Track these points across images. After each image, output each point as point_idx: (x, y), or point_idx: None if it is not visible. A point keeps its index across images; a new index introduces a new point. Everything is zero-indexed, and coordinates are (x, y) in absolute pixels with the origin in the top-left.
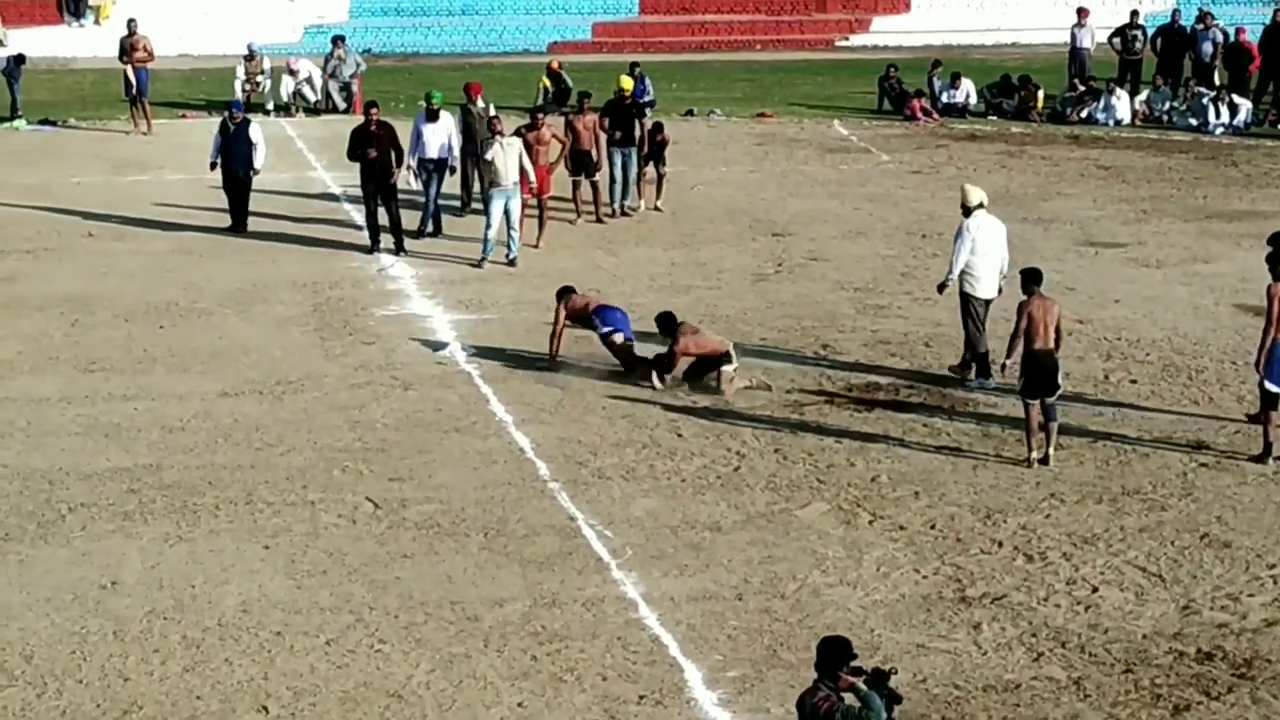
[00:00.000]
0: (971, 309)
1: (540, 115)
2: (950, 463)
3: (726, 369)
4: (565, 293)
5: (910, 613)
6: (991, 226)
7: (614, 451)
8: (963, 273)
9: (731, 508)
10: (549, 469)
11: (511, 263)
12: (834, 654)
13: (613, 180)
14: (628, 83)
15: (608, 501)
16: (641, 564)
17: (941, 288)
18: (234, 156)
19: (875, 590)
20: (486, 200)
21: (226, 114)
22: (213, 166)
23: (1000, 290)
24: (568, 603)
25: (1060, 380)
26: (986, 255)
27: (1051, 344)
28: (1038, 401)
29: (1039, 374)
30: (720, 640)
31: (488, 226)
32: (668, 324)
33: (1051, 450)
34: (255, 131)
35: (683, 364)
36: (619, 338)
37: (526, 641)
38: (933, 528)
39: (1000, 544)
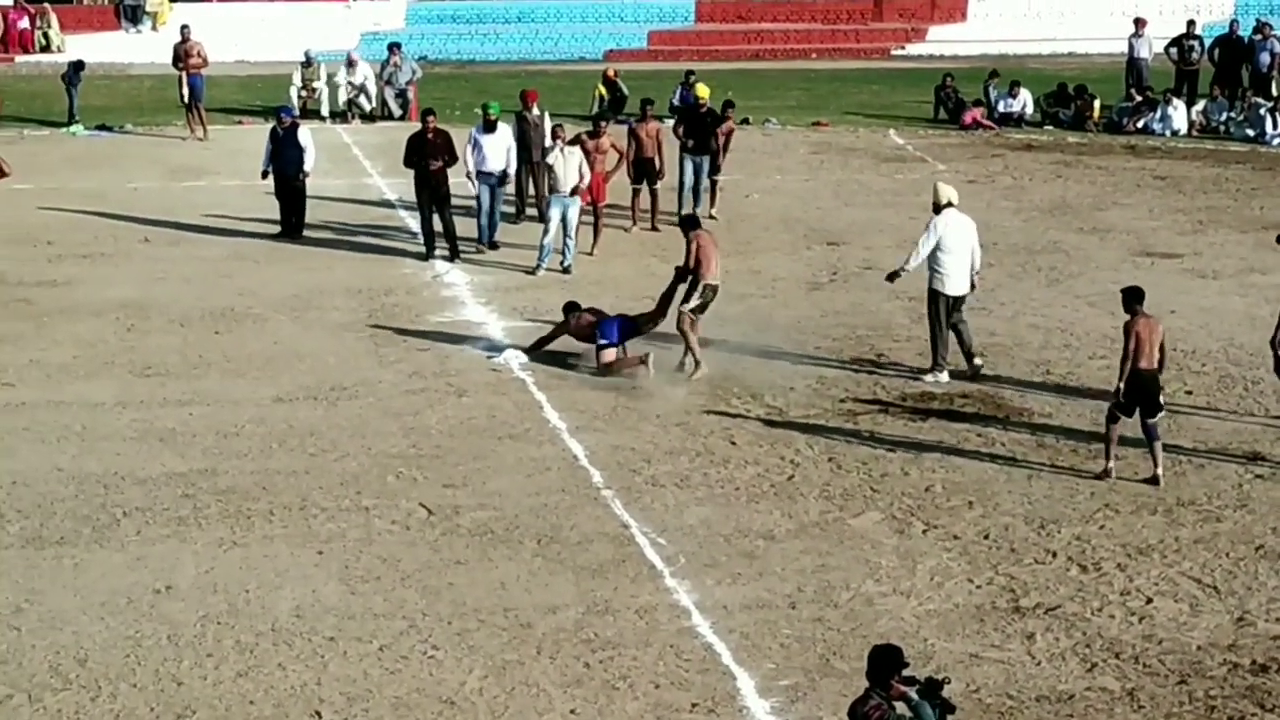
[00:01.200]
0: (937, 305)
1: (603, 123)
2: (1004, 472)
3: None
4: (572, 309)
5: (964, 622)
6: (960, 224)
7: (667, 459)
8: (932, 269)
9: (785, 516)
10: (602, 476)
11: (566, 270)
12: (886, 663)
13: (681, 187)
14: (704, 91)
15: (661, 509)
16: (694, 572)
17: (892, 277)
18: (285, 161)
19: (929, 600)
20: (544, 207)
21: (275, 120)
22: (265, 175)
23: (973, 287)
24: (621, 610)
25: (1161, 400)
26: (954, 252)
27: (1155, 363)
28: (1129, 419)
29: (1140, 393)
30: (773, 649)
31: (545, 233)
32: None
33: (1160, 470)
34: (304, 135)
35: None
36: (609, 354)
37: (579, 649)
38: (986, 537)
39: (1054, 554)
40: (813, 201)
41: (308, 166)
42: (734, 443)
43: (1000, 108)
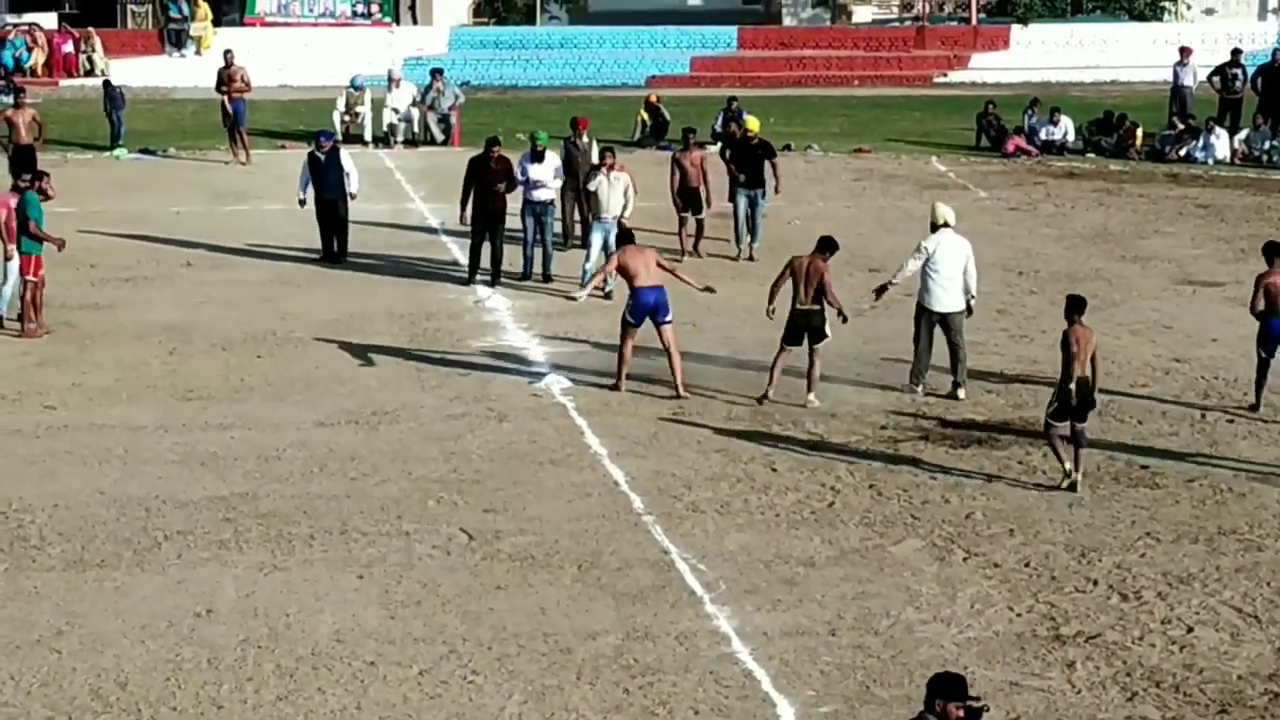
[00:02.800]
0: (920, 319)
1: (691, 137)
2: (1045, 500)
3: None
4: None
5: (1004, 650)
6: (953, 245)
7: (708, 485)
8: (920, 285)
9: (825, 543)
10: (643, 502)
11: (608, 296)
12: (945, 688)
13: (736, 220)
14: (754, 124)
15: (701, 535)
16: (735, 598)
17: (879, 291)
18: (328, 185)
19: (969, 627)
20: (586, 232)
21: (314, 144)
22: (302, 203)
23: (969, 309)
24: (660, 636)
25: (1093, 407)
26: (943, 271)
27: (1088, 372)
28: (1065, 424)
29: (1070, 399)
30: (813, 676)
31: (586, 259)
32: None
33: (1080, 477)
34: (346, 157)
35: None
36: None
37: (619, 674)
38: (1027, 565)
39: (1095, 582)
40: (854, 228)
41: (353, 188)
42: (775, 469)
43: (1043, 135)
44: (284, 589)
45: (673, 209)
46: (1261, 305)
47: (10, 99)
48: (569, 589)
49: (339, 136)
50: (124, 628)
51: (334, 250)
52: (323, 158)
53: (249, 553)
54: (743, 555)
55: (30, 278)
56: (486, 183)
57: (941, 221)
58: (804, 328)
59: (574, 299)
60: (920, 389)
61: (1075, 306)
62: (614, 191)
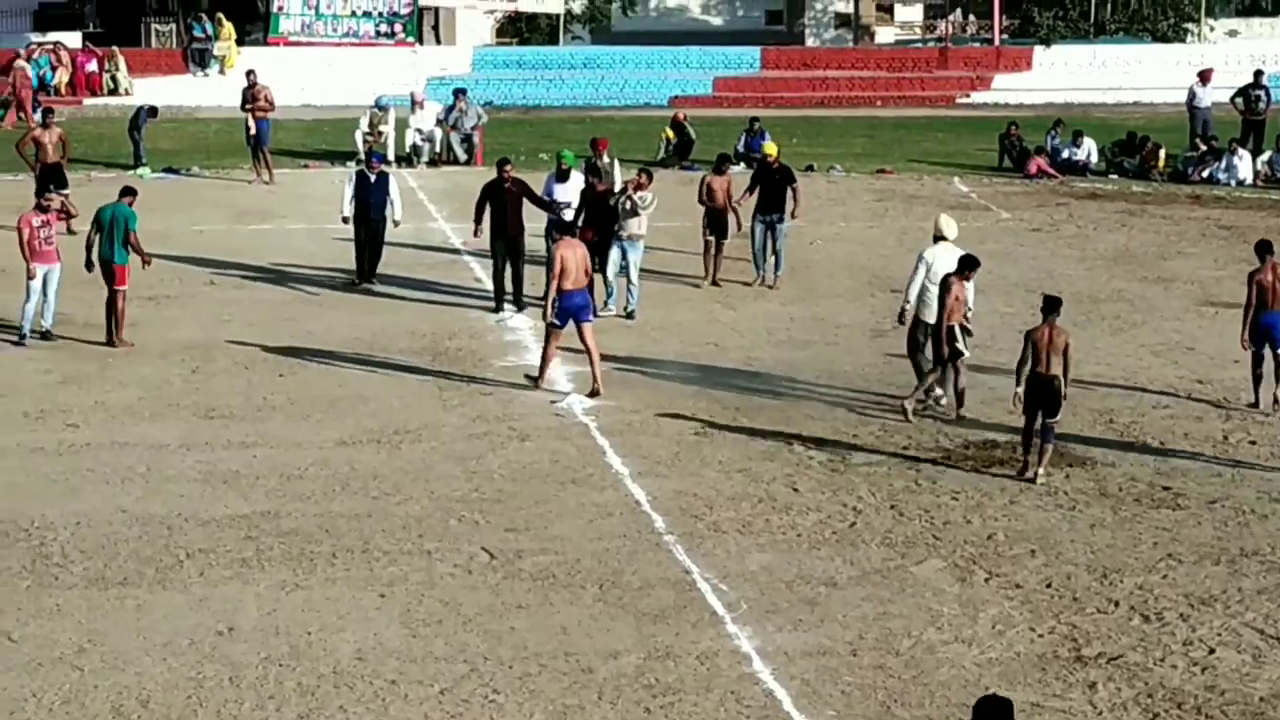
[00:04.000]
0: (915, 331)
1: (726, 165)
2: (1067, 521)
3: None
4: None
5: (1025, 671)
6: (950, 258)
7: (730, 505)
8: (919, 298)
9: (847, 563)
10: (665, 522)
11: (629, 315)
12: (992, 714)
13: (754, 247)
14: (771, 149)
15: (723, 555)
16: (756, 618)
17: (900, 316)
18: (373, 207)
19: (990, 648)
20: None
21: (363, 165)
22: (346, 220)
23: (967, 326)
24: (682, 656)
25: (1060, 403)
26: (937, 283)
27: (1055, 369)
28: (1035, 418)
29: (1040, 396)
30: (834, 696)
31: (602, 270)
32: None
33: (1041, 470)
34: (394, 185)
35: None
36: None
37: (640, 694)
38: (1049, 586)
39: (1117, 604)
40: (877, 248)
41: (397, 216)
42: (796, 489)
43: (1065, 156)
44: (306, 607)
45: (699, 231)
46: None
47: (39, 118)
48: (590, 608)
49: (381, 157)
50: (146, 645)
51: (365, 270)
52: (372, 178)
53: (271, 571)
54: (764, 575)
55: (121, 287)
56: (501, 205)
57: (940, 234)
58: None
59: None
60: (930, 398)
61: (1049, 306)
62: (639, 210)
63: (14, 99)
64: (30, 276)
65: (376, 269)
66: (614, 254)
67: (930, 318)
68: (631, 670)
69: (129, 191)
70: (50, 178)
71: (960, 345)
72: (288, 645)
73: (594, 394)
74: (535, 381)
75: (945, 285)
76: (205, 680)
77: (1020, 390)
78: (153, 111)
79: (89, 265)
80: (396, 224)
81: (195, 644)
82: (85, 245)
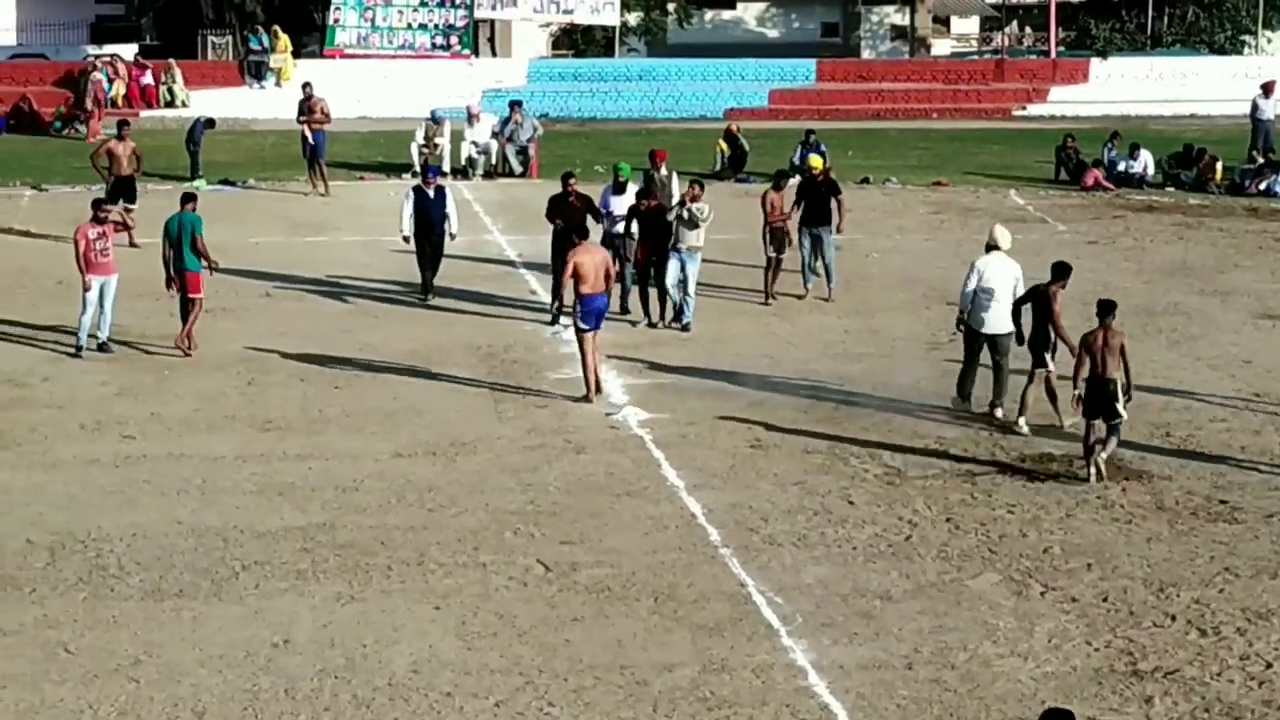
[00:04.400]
0: (970, 340)
1: (785, 176)
2: (1123, 535)
3: None
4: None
5: (1081, 685)
6: (1002, 267)
7: (785, 518)
8: (971, 306)
9: (902, 576)
10: (720, 535)
11: (685, 328)
12: None
13: (803, 261)
14: (817, 162)
15: (778, 568)
16: (811, 631)
17: (958, 323)
18: (431, 221)
19: (1046, 662)
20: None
21: (420, 180)
22: (407, 239)
23: (1021, 337)
24: (737, 669)
25: (1120, 408)
26: (991, 293)
27: (1112, 372)
28: (1097, 421)
29: (1094, 397)
30: (889, 709)
31: (660, 282)
32: None
33: (1102, 461)
34: (450, 199)
35: None
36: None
37: (695, 707)
38: (1105, 600)
39: (1173, 618)
40: (933, 261)
41: (453, 229)
42: (852, 502)
43: (1121, 168)
44: (361, 620)
45: (753, 244)
46: None
47: (115, 130)
48: (645, 621)
49: (447, 169)
50: (201, 657)
51: (428, 284)
52: (430, 193)
53: (326, 583)
54: (820, 588)
55: (196, 295)
56: (568, 219)
57: (993, 243)
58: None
59: (652, 325)
60: (966, 403)
61: (1104, 310)
62: (695, 222)
63: (93, 109)
64: (86, 289)
65: (432, 283)
66: (672, 266)
67: (983, 327)
68: (687, 683)
69: (189, 198)
70: (122, 190)
71: (1048, 356)
72: (343, 657)
73: (586, 399)
74: (588, 398)
75: (1044, 295)
76: (260, 692)
77: (1079, 393)
78: (210, 123)
79: (169, 282)
80: (453, 237)
81: (250, 656)
82: (163, 262)
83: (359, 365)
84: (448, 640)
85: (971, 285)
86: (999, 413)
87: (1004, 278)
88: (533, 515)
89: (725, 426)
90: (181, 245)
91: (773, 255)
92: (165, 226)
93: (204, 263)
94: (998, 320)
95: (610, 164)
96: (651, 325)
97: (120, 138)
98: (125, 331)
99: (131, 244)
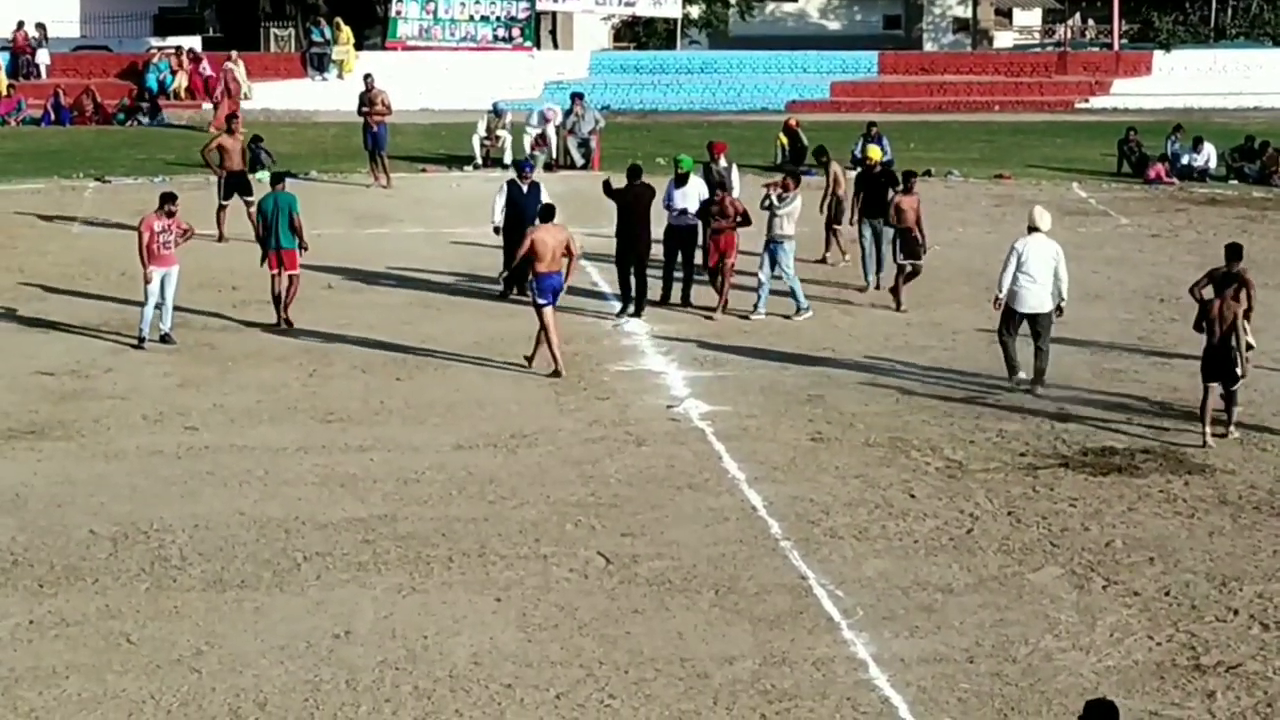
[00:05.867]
0: (1008, 319)
1: (913, 180)
2: (1186, 528)
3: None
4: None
5: (1143, 679)
6: (1042, 248)
7: (846, 511)
8: (1011, 285)
9: (963, 570)
10: (781, 527)
11: (800, 311)
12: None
13: (864, 253)
14: (876, 153)
15: (839, 561)
16: (872, 624)
17: (996, 301)
18: (527, 217)
19: (1108, 656)
20: (775, 254)
21: (515, 174)
22: (498, 230)
23: (1059, 310)
24: (798, 662)
25: (1238, 371)
26: (1030, 273)
27: (1229, 338)
28: (1214, 384)
29: (1212, 364)
30: (950, 703)
31: (760, 282)
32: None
33: (1227, 430)
34: (544, 193)
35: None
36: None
37: (756, 700)
38: (1167, 594)
39: (1236, 612)
40: (995, 254)
41: None
42: (913, 495)
43: (1185, 161)
44: (422, 611)
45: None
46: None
47: (226, 128)
48: (706, 614)
49: (532, 165)
50: (263, 648)
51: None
52: (524, 188)
53: (387, 575)
54: (881, 581)
55: (293, 271)
56: (631, 211)
57: (1033, 225)
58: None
59: (745, 317)
60: (1016, 381)
61: (1232, 256)
62: (786, 211)
63: (222, 99)
64: (146, 280)
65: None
66: (766, 258)
67: (1023, 306)
68: (747, 676)
69: (280, 178)
70: (235, 185)
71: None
72: (404, 649)
73: (529, 361)
74: (558, 373)
75: (1239, 277)
76: (322, 683)
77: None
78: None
79: (265, 259)
80: None
81: (312, 647)
82: (257, 240)
83: (421, 357)
84: (508, 632)
85: (1011, 267)
86: (1040, 390)
87: (1044, 257)
88: (594, 507)
89: (786, 419)
90: (278, 223)
91: (902, 263)
92: (259, 205)
93: (298, 240)
94: (1037, 300)
95: (671, 156)
96: (666, 302)
97: (231, 132)
98: (187, 324)
99: (220, 239)
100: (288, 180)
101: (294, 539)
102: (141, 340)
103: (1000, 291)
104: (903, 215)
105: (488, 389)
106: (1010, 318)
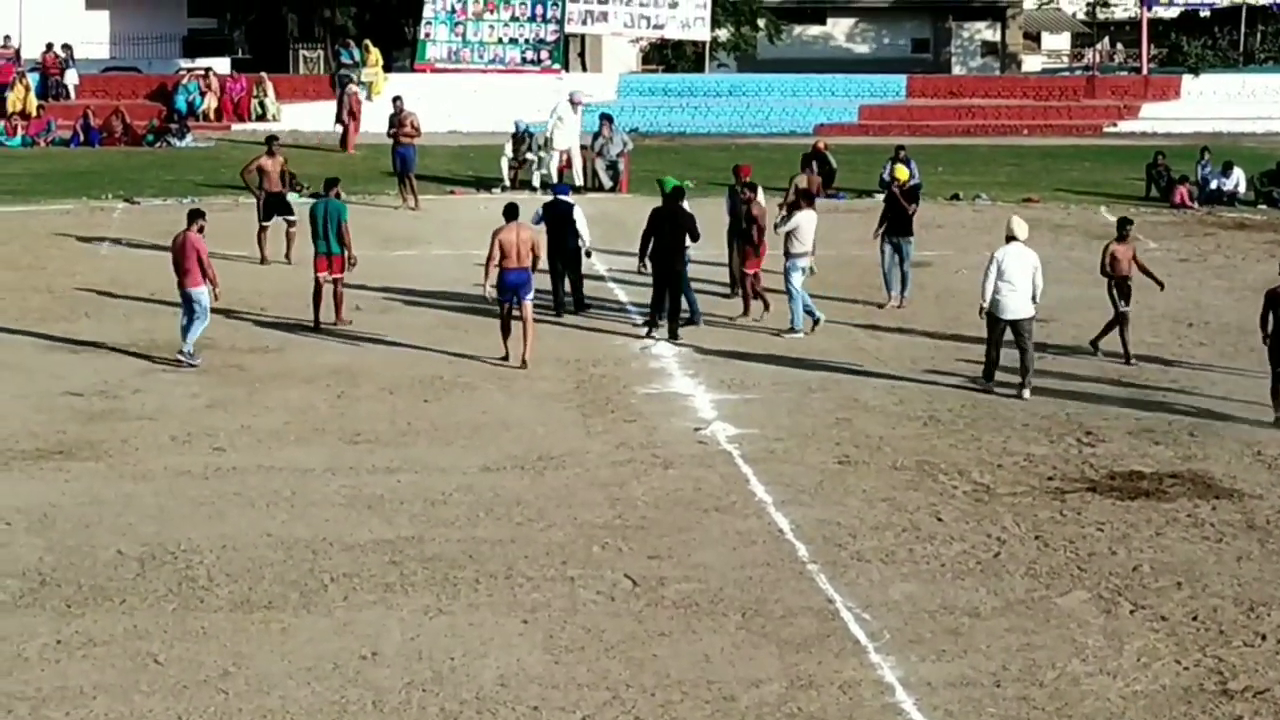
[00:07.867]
0: (992, 326)
1: (1129, 224)
2: (1213, 553)
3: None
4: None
5: (1170, 704)
6: (1020, 257)
7: (873, 534)
8: (992, 295)
9: (991, 593)
10: (808, 550)
11: (782, 333)
12: None
13: (884, 269)
14: (903, 172)
15: (866, 584)
16: (899, 648)
17: (981, 311)
18: (567, 239)
19: (1135, 680)
20: (787, 273)
21: (552, 198)
22: (589, 254)
23: (1035, 316)
24: (824, 685)
25: None
26: (1011, 281)
27: None
28: None
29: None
30: None
31: (791, 299)
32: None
33: None
34: (580, 216)
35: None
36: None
37: None
38: (1195, 619)
39: (1264, 637)
40: None
41: (586, 244)
42: (940, 519)
43: (1213, 186)
44: (449, 633)
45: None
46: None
47: (264, 148)
48: (733, 636)
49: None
50: (290, 669)
51: (564, 298)
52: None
53: (414, 596)
54: (908, 605)
55: (339, 275)
56: (664, 234)
57: (1011, 235)
58: None
59: (778, 334)
60: (990, 383)
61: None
62: (804, 230)
63: (349, 121)
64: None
65: (583, 297)
66: (796, 278)
67: (1004, 313)
68: (774, 699)
69: (333, 183)
70: (275, 206)
71: None
72: (431, 670)
73: (523, 364)
74: (506, 357)
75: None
76: (349, 705)
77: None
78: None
79: (315, 261)
80: (588, 254)
81: (339, 668)
82: (313, 241)
83: (448, 378)
84: (535, 654)
85: (992, 276)
86: (1026, 393)
87: (1023, 265)
88: (620, 530)
89: (813, 442)
90: (328, 230)
91: (1123, 310)
92: (311, 212)
93: (348, 252)
94: (1018, 306)
95: (700, 180)
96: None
97: (270, 154)
98: (215, 344)
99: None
100: (311, 200)
101: (321, 560)
102: (188, 357)
103: (984, 300)
104: (1117, 264)
105: (515, 411)
106: (994, 325)
